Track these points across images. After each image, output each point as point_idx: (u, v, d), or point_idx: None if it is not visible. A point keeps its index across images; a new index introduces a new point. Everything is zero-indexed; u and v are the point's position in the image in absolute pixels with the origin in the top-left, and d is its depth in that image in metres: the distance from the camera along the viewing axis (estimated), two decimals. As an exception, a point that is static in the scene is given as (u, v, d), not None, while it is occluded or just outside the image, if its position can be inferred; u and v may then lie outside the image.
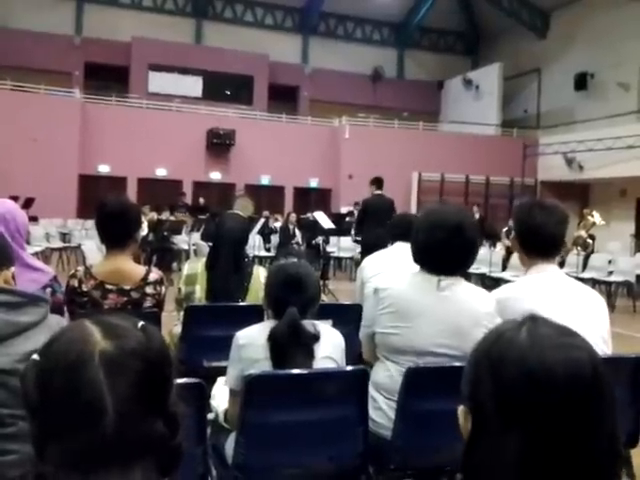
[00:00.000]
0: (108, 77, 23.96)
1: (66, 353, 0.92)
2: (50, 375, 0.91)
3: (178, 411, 0.97)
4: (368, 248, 9.65)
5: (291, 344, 2.28)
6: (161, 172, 21.02)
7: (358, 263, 6.04)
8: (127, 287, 2.92)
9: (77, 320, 0.99)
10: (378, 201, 10.03)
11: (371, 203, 10.08)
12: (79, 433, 0.88)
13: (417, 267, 2.55)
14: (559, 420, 0.91)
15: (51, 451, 0.89)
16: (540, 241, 2.59)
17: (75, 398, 0.88)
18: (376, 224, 9.63)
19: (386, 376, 2.49)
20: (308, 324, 2.32)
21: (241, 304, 3.43)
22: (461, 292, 2.47)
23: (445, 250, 2.43)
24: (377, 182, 10.13)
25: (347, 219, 14.37)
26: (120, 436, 0.88)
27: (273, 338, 2.28)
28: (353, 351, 2.86)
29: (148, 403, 0.92)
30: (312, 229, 12.50)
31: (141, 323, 0.99)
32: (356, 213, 12.92)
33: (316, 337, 2.33)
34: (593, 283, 10.20)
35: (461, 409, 1.02)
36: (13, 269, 2.06)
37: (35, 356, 0.94)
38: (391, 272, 3.04)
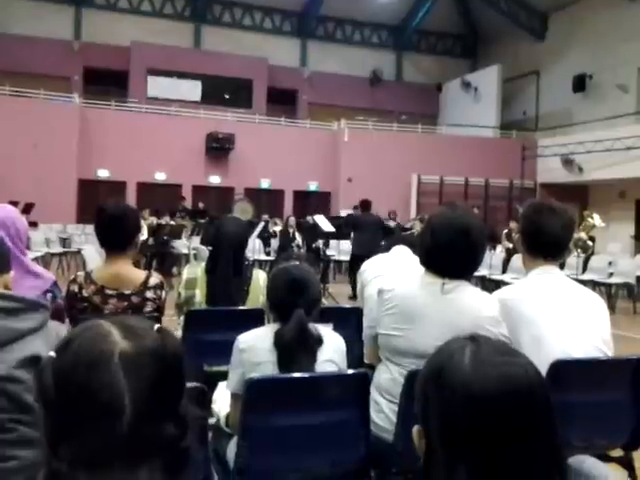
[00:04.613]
0: (107, 82, 23.96)
1: (87, 352, 0.92)
2: (70, 373, 0.91)
3: (188, 413, 0.98)
4: (358, 258, 10.17)
5: (298, 347, 2.27)
6: (160, 176, 21.02)
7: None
8: (127, 292, 2.91)
9: (93, 320, 1.00)
10: (366, 216, 10.81)
11: (358, 217, 11.00)
12: (96, 431, 0.89)
13: (422, 269, 2.55)
14: (500, 441, 0.93)
15: (65, 448, 0.90)
16: (544, 242, 2.59)
17: (95, 397, 0.89)
18: (365, 236, 10.22)
19: (388, 378, 2.48)
20: (311, 327, 2.32)
21: (241, 308, 3.43)
22: (465, 295, 2.46)
23: (450, 253, 2.42)
24: (363, 205, 11.01)
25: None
26: (134, 436, 0.89)
27: (281, 341, 2.28)
28: (354, 354, 2.86)
29: (162, 404, 0.93)
30: (312, 232, 12.52)
31: (157, 325, 1.00)
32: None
33: (320, 340, 2.33)
34: (593, 285, 10.19)
35: (415, 429, 1.02)
36: (12, 273, 2.05)
37: (52, 353, 0.95)
38: (393, 274, 3.04)
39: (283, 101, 26.39)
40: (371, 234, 10.42)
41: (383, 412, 2.47)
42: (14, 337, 1.68)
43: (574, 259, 10.80)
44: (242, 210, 14.96)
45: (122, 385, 0.90)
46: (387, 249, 3.96)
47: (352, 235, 11.43)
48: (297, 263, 2.48)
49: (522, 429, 0.93)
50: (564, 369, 2.35)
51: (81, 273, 3.02)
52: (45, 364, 0.94)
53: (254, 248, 12.57)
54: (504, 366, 0.97)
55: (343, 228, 11.57)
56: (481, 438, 0.92)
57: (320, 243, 12.09)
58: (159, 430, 0.92)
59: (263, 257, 13.74)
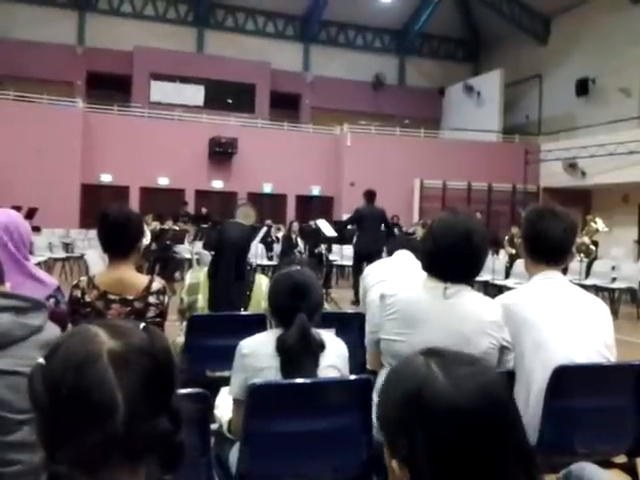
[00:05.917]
0: (110, 86, 24.03)
1: (75, 354, 0.93)
2: (59, 377, 0.92)
3: (181, 407, 0.98)
4: (361, 257, 10.29)
5: (301, 352, 2.27)
6: (163, 181, 21.05)
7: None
8: (130, 297, 2.91)
9: (81, 325, 1.01)
10: (371, 210, 10.85)
11: (363, 211, 10.88)
12: (92, 432, 0.89)
13: (424, 274, 2.54)
14: (486, 451, 0.93)
15: (64, 451, 0.90)
16: (546, 246, 2.58)
17: (86, 397, 0.90)
18: (368, 233, 10.29)
19: (390, 384, 2.47)
20: (314, 332, 2.32)
21: (244, 313, 3.43)
22: (467, 300, 2.45)
23: (452, 257, 2.41)
24: (368, 195, 11.04)
25: (349, 227, 14.40)
26: (130, 433, 0.90)
27: (283, 346, 2.28)
28: (356, 360, 2.85)
29: (155, 399, 0.94)
30: (314, 237, 12.52)
31: (142, 324, 1.01)
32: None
33: (323, 345, 2.32)
34: (596, 290, 10.17)
35: (394, 463, 0.97)
36: (8, 285, 2.08)
37: (41, 360, 0.96)
38: (396, 279, 3.03)
39: (286, 106, 26.42)
40: (374, 231, 10.51)
41: (385, 418, 2.46)
42: (28, 333, 1.73)
43: (577, 264, 10.78)
44: (245, 215, 14.94)
45: (113, 383, 0.90)
46: (390, 254, 3.96)
47: (355, 234, 11.50)
48: (299, 268, 2.48)
49: (503, 435, 0.94)
50: (567, 374, 2.34)
51: (84, 278, 3.02)
52: (35, 371, 0.95)
53: (257, 253, 12.57)
54: (479, 376, 0.97)
55: (349, 226, 11.72)
56: (470, 452, 0.92)
57: (322, 248, 12.08)
58: (154, 426, 0.93)
59: (266, 262, 13.73)
